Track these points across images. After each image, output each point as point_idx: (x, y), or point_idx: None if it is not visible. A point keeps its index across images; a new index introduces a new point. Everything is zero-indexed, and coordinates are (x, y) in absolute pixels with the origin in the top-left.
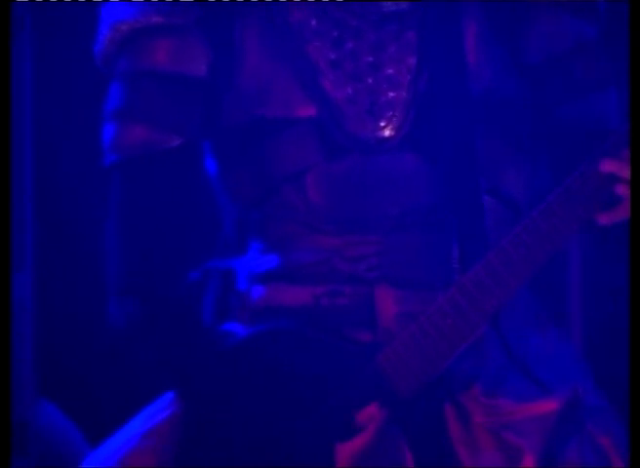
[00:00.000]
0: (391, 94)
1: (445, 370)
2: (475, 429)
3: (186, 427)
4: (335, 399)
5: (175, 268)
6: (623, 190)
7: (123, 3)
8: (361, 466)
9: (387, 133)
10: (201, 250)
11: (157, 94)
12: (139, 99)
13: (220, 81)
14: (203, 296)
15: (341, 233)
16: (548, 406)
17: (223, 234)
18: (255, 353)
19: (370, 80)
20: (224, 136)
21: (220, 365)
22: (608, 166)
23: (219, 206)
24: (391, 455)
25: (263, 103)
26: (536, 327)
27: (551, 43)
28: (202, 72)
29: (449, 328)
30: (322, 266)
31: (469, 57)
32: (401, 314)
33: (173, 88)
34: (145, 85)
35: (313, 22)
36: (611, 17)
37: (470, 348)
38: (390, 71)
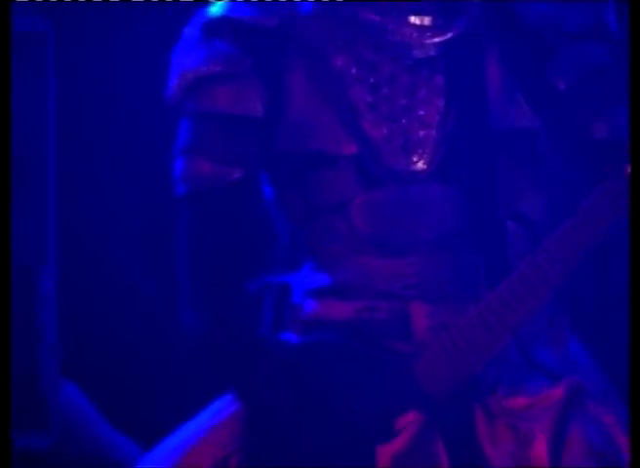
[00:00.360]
0: (422, 132)
1: (473, 377)
2: (497, 427)
3: (248, 425)
4: (376, 404)
5: (239, 284)
6: None
7: (189, 54)
8: (400, 466)
9: (419, 167)
10: (259, 266)
11: (219, 132)
12: (204, 138)
13: (274, 119)
14: (261, 308)
15: (381, 255)
16: (557, 393)
17: (279, 253)
18: (306, 361)
19: (403, 120)
20: (277, 166)
21: (276, 370)
22: None
23: (275, 228)
24: (428, 455)
25: (310, 139)
26: (546, 324)
27: (574, 70)
28: (258, 112)
29: (477, 340)
30: (364, 284)
31: (492, 96)
32: (433, 326)
33: (233, 126)
34: (209, 125)
35: (353, 70)
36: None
37: (494, 356)
38: (421, 113)
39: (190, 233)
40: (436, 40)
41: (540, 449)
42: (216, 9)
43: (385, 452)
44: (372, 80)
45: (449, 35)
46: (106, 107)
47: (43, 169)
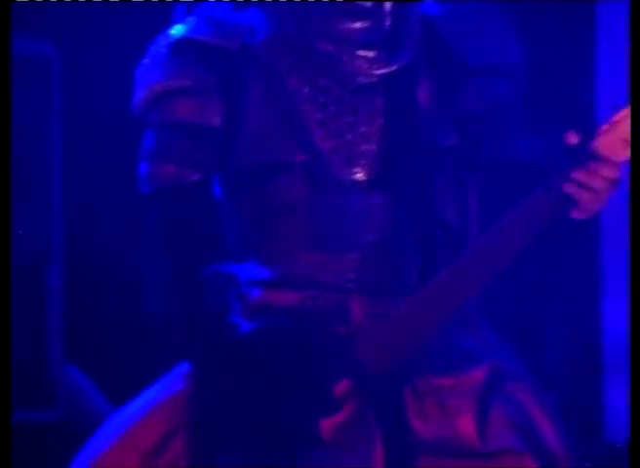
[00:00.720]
0: (364, 146)
1: (405, 357)
2: (427, 404)
3: (197, 400)
4: (318, 382)
5: (196, 269)
6: (588, 195)
7: (156, 70)
8: (340, 437)
9: (360, 177)
10: (212, 257)
11: (182, 139)
12: (167, 144)
13: (232, 131)
14: (210, 294)
15: (325, 252)
16: (478, 374)
17: (228, 246)
18: (256, 343)
19: (348, 136)
20: (234, 172)
21: (229, 350)
22: (579, 176)
23: (225, 224)
24: (364, 430)
25: (265, 151)
26: (466, 313)
27: (480, 101)
28: (217, 123)
29: (408, 328)
30: (308, 276)
31: (422, 116)
32: (370, 315)
33: (193, 134)
34: (172, 132)
35: (305, 90)
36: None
37: (423, 342)
38: (364, 129)
39: (156, 225)
40: (381, 71)
41: (467, 424)
42: (181, 30)
43: (327, 425)
44: (321, 100)
45: (392, 68)
46: (108, 108)
47: (49, 172)
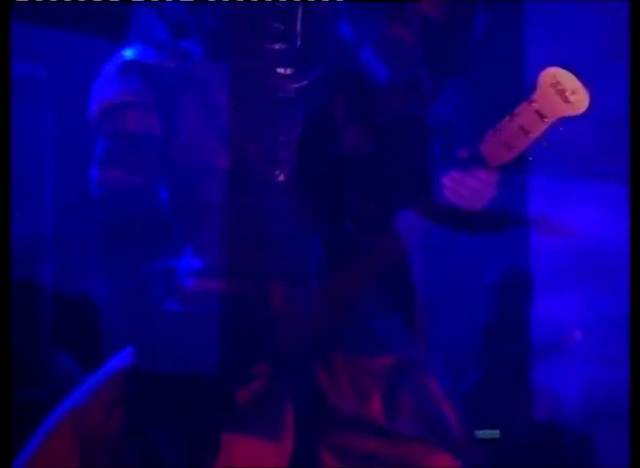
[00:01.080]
0: (283, 153)
1: (317, 336)
2: (341, 381)
3: (134, 377)
4: (237, 358)
5: (139, 263)
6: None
7: (107, 86)
8: (252, 408)
9: (280, 179)
10: (155, 251)
11: (126, 147)
12: (114, 151)
13: (168, 139)
14: (153, 284)
15: (249, 246)
16: (386, 360)
17: (169, 241)
18: (184, 324)
19: (269, 144)
20: (171, 175)
21: (163, 332)
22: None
23: (167, 221)
24: (275, 403)
25: (195, 156)
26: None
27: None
28: (156, 132)
29: (319, 312)
30: (233, 268)
31: (339, 126)
32: (287, 300)
33: (136, 143)
34: (118, 141)
35: (232, 102)
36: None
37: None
38: (282, 138)
39: (103, 225)
40: (297, 85)
41: (375, 404)
42: (129, 53)
43: (243, 394)
44: (245, 111)
45: (304, 82)
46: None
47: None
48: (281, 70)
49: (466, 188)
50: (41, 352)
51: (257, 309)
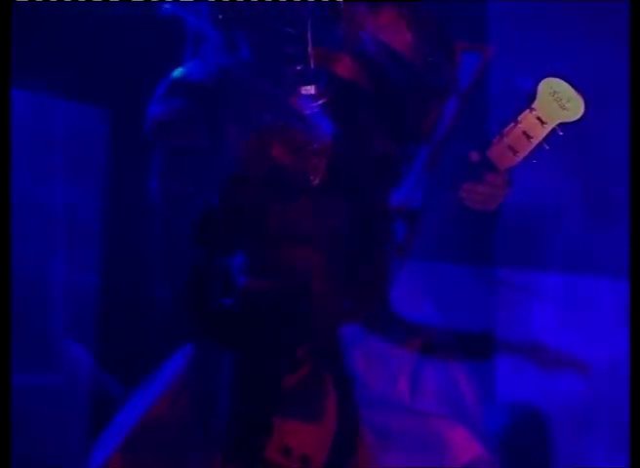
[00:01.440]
0: (316, 159)
1: (352, 326)
2: (374, 363)
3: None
4: (285, 344)
5: (196, 265)
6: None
7: (157, 105)
8: (299, 392)
9: (313, 183)
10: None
11: (179, 160)
12: (168, 165)
13: (214, 150)
14: (211, 282)
15: (287, 248)
16: (414, 343)
17: (223, 242)
18: (239, 320)
19: (304, 152)
20: (220, 184)
21: (223, 326)
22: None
23: (219, 225)
24: (319, 387)
25: (239, 165)
26: (414, 297)
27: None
28: (204, 145)
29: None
30: (275, 268)
31: (365, 132)
32: (324, 293)
33: (187, 156)
34: (171, 155)
35: (268, 117)
36: None
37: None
38: (316, 146)
39: (164, 229)
40: (318, 103)
41: (403, 384)
42: (177, 73)
43: (289, 381)
44: (281, 123)
45: (324, 100)
46: None
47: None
48: (304, 90)
49: (479, 194)
50: (51, 339)
51: (300, 303)
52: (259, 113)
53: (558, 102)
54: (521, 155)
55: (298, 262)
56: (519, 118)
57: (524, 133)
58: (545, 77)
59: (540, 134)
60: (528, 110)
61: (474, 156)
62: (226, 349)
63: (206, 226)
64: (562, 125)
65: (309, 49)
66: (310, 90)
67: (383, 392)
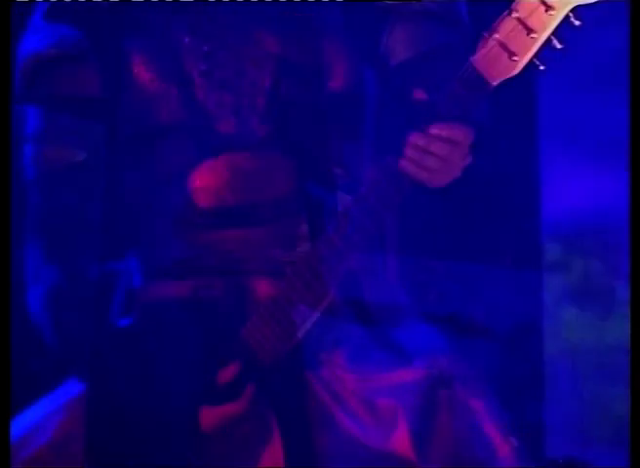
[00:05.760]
0: (253, 98)
1: (302, 342)
2: (347, 396)
3: (90, 401)
4: (200, 371)
5: (84, 264)
6: (432, 161)
7: (30, 40)
8: (231, 431)
9: (250, 132)
10: (103, 247)
11: (62, 115)
12: (48, 123)
13: (113, 99)
14: (109, 293)
15: (214, 228)
16: (409, 374)
17: (113, 237)
18: (143, 341)
19: (235, 85)
20: (120, 146)
21: (111, 351)
22: (415, 139)
23: (113, 208)
24: (259, 424)
25: (149, 115)
26: (406, 313)
27: (410, 47)
28: (96, 93)
29: (298, 298)
30: (198, 262)
31: (326, 63)
32: (267, 296)
33: (74, 108)
34: (52, 109)
35: (186, 39)
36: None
37: (330, 325)
38: (253, 77)
39: (39, 212)
40: None
41: (402, 438)
42: None
43: (211, 415)
44: (205, 48)
45: None
46: None
47: None
48: None
49: (434, 157)
50: None
51: (234, 313)
52: (171, 35)
53: None
54: (520, 60)
55: (233, 250)
56: (514, 4)
57: (522, 22)
58: None
59: (546, 24)
60: None
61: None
62: (125, 383)
63: (100, 210)
64: (577, 10)
65: None
66: None
67: (372, 444)
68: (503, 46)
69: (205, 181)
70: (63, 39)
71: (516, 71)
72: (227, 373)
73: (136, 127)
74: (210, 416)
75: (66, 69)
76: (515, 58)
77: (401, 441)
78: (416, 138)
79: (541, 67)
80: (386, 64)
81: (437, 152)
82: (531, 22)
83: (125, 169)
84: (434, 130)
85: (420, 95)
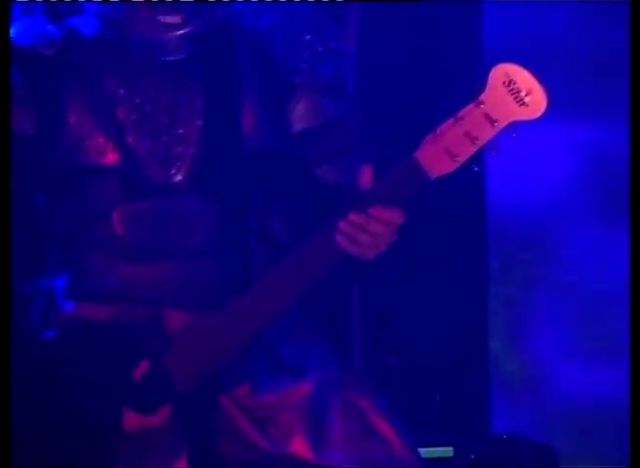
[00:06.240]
0: (181, 148)
1: (216, 372)
2: (259, 418)
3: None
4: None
5: (12, 284)
6: (365, 238)
7: None
8: (148, 440)
9: (177, 179)
10: (32, 269)
11: None
12: None
13: (46, 137)
14: (31, 308)
15: (139, 262)
16: (304, 388)
17: (50, 256)
18: (63, 356)
19: (164, 137)
20: (52, 178)
21: (36, 365)
22: (355, 217)
23: (47, 234)
24: (171, 439)
25: (79, 154)
26: (298, 332)
27: (310, 118)
28: (30, 131)
29: (220, 341)
30: (122, 291)
31: (245, 123)
32: (184, 329)
33: (12, 144)
34: None
35: (121, 91)
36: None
37: (238, 356)
38: (181, 131)
39: None
40: (179, 32)
41: (299, 444)
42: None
43: (134, 421)
44: (137, 100)
45: (189, 29)
46: None
47: None
48: (165, 19)
49: (367, 235)
50: None
51: (152, 338)
52: (106, 85)
53: (514, 95)
54: (460, 160)
55: (149, 286)
56: (460, 114)
57: (466, 133)
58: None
59: (488, 135)
60: (474, 104)
61: (366, 176)
62: (50, 389)
63: (27, 234)
64: (516, 124)
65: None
66: (172, 19)
67: (276, 452)
68: (448, 149)
69: (129, 221)
70: None
71: (455, 168)
72: (144, 392)
73: (65, 164)
74: (132, 421)
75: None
76: (457, 160)
77: (299, 444)
78: (354, 217)
79: (475, 168)
80: (293, 131)
81: (372, 230)
82: (475, 132)
83: (57, 201)
84: (373, 211)
85: (366, 178)
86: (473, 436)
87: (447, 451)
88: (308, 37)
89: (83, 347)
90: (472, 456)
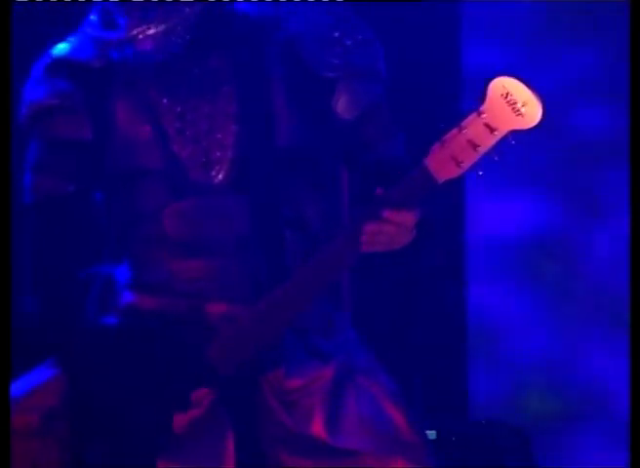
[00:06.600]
0: (219, 152)
1: (256, 358)
2: (286, 401)
3: (69, 390)
4: (175, 381)
5: (71, 274)
6: (382, 238)
7: (35, 89)
8: (193, 432)
9: (217, 180)
10: (90, 261)
11: (57, 153)
12: (45, 158)
13: (101, 143)
14: (89, 294)
15: (184, 257)
16: (328, 372)
17: (107, 250)
18: (120, 342)
19: (204, 143)
20: (107, 180)
21: (94, 350)
22: (370, 227)
23: (104, 230)
24: (216, 425)
25: (130, 159)
26: (322, 319)
27: (353, 108)
28: (87, 137)
29: (257, 330)
30: (167, 284)
31: (278, 118)
32: (224, 318)
33: (67, 149)
34: (49, 147)
35: (164, 100)
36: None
37: (274, 343)
38: (219, 136)
39: (35, 233)
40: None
41: (317, 425)
42: (57, 50)
43: (181, 419)
44: (179, 109)
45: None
46: None
47: None
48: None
49: (384, 236)
50: None
51: (196, 328)
52: (151, 95)
53: (511, 106)
54: (465, 166)
55: (192, 279)
56: (464, 123)
57: (469, 141)
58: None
59: (488, 142)
60: (475, 114)
61: (379, 191)
62: (100, 379)
63: (86, 231)
64: (515, 132)
65: None
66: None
67: (295, 431)
68: (453, 156)
69: (175, 218)
70: (60, 92)
71: (460, 173)
72: (199, 392)
73: (118, 168)
74: (180, 420)
75: (62, 116)
76: (462, 165)
77: (317, 426)
78: (370, 226)
79: (480, 173)
80: (340, 120)
81: (387, 232)
82: (477, 140)
83: (112, 200)
84: (386, 214)
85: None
86: (454, 421)
87: (431, 434)
88: (337, 34)
89: (136, 332)
90: (453, 438)
